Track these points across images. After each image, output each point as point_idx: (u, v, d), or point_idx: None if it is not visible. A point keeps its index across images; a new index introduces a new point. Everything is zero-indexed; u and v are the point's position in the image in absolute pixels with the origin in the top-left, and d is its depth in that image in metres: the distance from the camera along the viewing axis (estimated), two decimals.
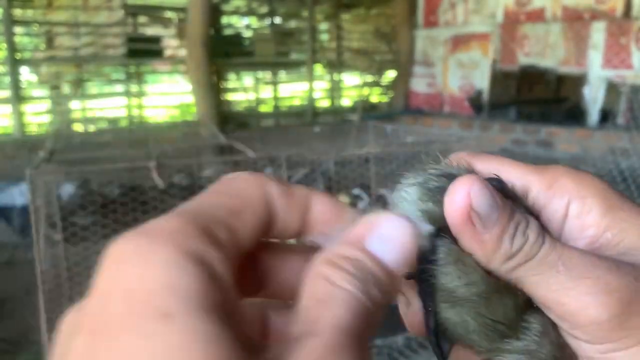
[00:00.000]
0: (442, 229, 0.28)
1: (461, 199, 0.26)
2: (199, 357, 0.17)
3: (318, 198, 0.26)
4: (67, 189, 3.76)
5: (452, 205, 0.27)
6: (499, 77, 7.65)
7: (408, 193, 0.30)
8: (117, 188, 3.52)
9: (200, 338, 0.17)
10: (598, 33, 6.61)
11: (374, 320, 0.22)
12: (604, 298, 0.26)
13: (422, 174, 0.30)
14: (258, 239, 0.25)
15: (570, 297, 0.26)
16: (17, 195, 4.50)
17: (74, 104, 7.27)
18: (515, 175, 0.30)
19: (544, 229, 0.28)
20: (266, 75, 8.41)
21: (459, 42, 8.13)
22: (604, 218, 0.28)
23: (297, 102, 8.87)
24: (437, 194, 0.29)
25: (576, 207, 0.29)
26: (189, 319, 0.18)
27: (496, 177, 0.29)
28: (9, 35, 6.35)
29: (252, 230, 0.24)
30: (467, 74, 8.08)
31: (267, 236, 0.26)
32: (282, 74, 8.56)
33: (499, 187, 0.28)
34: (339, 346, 0.20)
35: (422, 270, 0.28)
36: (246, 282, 0.26)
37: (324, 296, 0.22)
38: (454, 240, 0.28)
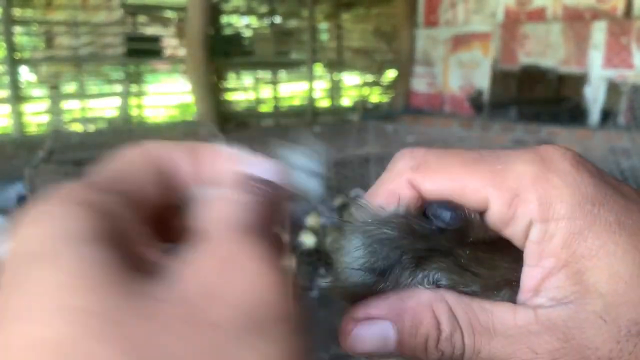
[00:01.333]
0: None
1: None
2: (72, 283, 0.18)
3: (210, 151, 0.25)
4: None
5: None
6: (499, 77, 7.65)
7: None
8: None
9: (71, 268, 0.18)
10: (599, 33, 6.60)
11: (269, 213, 0.22)
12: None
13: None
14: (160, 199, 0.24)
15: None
16: (14, 195, 4.49)
17: (73, 104, 7.26)
18: (472, 187, 0.26)
19: None
20: (266, 75, 8.40)
21: (460, 41, 8.12)
22: (565, 250, 0.25)
23: (297, 102, 8.86)
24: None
25: (537, 232, 0.25)
26: (64, 255, 0.18)
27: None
28: (8, 35, 6.33)
29: (143, 183, 0.23)
30: (467, 73, 8.07)
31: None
32: (282, 74, 8.55)
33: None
34: (238, 248, 0.20)
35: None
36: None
37: (218, 213, 0.21)
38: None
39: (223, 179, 0.24)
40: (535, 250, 0.26)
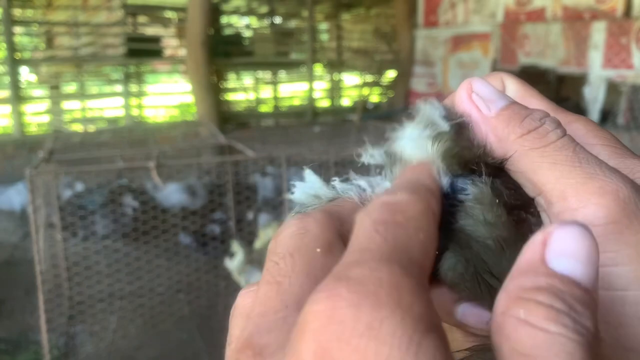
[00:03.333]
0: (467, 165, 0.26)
1: (464, 88, 0.26)
2: None
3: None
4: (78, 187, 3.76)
5: (457, 97, 0.26)
6: None
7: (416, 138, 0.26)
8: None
9: None
10: (598, 33, 6.61)
11: (595, 355, 0.17)
12: (609, 200, 0.22)
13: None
14: None
15: (576, 191, 0.23)
16: (16, 195, 4.50)
17: (74, 104, 7.27)
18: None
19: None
20: (266, 75, 8.40)
21: (459, 41, 8.13)
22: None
23: (297, 102, 8.87)
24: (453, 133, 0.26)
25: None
26: None
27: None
28: (9, 35, 6.34)
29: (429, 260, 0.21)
30: (467, 73, 8.08)
31: None
32: (282, 74, 8.56)
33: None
34: None
35: (446, 212, 0.25)
36: None
37: (530, 350, 0.17)
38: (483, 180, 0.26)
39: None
40: None
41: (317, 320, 0.16)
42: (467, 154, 0.26)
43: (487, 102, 0.26)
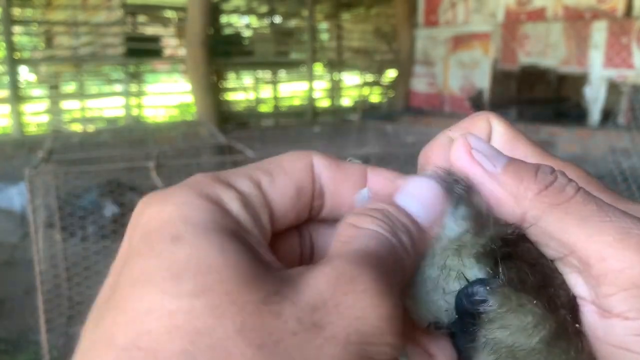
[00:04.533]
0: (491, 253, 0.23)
1: (462, 145, 0.25)
2: (202, 264, 0.18)
3: (374, 173, 0.25)
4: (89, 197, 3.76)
5: (455, 155, 0.25)
6: (499, 77, 7.65)
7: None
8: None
9: (204, 251, 0.19)
10: (599, 32, 6.60)
11: (403, 264, 0.21)
12: None
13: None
14: (300, 207, 0.24)
15: (615, 250, 0.21)
16: (16, 195, 4.49)
17: (73, 104, 7.26)
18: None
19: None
20: (266, 75, 8.40)
21: (460, 41, 8.13)
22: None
23: (297, 102, 8.86)
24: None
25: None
26: (196, 237, 0.19)
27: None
28: (8, 35, 6.33)
29: (284, 191, 0.23)
30: (467, 73, 8.07)
31: (321, 215, 0.25)
32: (282, 74, 8.56)
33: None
34: (362, 263, 0.20)
35: (464, 322, 0.23)
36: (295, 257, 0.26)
37: (349, 238, 0.21)
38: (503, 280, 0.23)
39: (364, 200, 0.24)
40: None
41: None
42: (481, 244, 0.23)
43: (489, 157, 0.24)
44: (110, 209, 3.20)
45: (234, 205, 0.21)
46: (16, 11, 6.68)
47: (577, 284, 0.23)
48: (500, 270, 0.23)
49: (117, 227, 3.08)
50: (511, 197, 0.23)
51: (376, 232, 0.21)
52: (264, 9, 8.23)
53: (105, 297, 0.20)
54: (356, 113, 8.39)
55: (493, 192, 0.24)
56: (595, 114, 6.64)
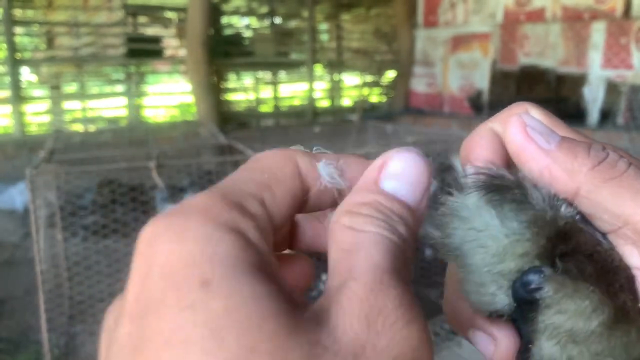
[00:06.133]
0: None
1: (517, 123, 0.25)
2: (242, 317, 0.17)
3: (347, 161, 0.26)
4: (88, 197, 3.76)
5: (510, 132, 0.26)
6: (499, 77, 7.65)
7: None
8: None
9: (241, 299, 0.17)
10: (598, 33, 6.61)
11: (406, 256, 0.22)
12: None
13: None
14: (293, 213, 0.24)
15: None
16: (17, 195, 4.50)
17: (74, 104, 7.27)
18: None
19: None
20: (266, 75, 8.40)
21: (459, 42, 8.13)
22: None
23: (297, 102, 8.87)
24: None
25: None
26: (228, 282, 0.18)
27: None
28: (9, 35, 6.34)
29: (283, 203, 0.23)
30: (467, 74, 8.08)
31: (305, 210, 0.25)
32: (282, 74, 8.56)
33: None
34: (380, 284, 0.20)
35: (522, 309, 0.24)
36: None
37: (351, 245, 0.21)
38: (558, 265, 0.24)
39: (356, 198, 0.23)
40: None
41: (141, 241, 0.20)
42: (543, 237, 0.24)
43: (543, 134, 0.25)
44: (111, 209, 3.21)
45: (252, 234, 0.20)
46: (17, 12, 6.69)
47: (632, 255, 0.24)
48: (557, 263, 0.24)
49: (118, 226, 3.09)
50: (565, 173, 0.24)
51: (377, 234, 0.21)
52: (264, 9, 8.23)
53: (130, 350, 0.18)
54: (356, 113, 8.39)
55: (547, 167, 0.25)
56: (594, 114, 6.65)
